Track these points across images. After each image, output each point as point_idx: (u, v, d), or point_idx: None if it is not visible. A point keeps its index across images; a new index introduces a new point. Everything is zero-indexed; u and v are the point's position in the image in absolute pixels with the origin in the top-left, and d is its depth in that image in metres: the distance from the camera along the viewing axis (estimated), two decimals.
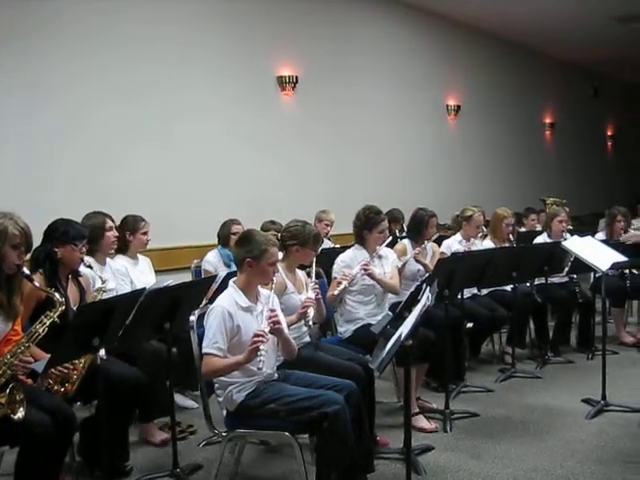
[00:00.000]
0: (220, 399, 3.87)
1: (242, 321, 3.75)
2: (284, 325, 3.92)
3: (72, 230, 4.28)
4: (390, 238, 5.50)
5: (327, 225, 7.60)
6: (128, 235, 5.44)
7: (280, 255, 4.31)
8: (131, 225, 5.50)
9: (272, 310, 3.81)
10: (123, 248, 5.43)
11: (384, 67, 10.12)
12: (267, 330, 3.67)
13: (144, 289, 3.98)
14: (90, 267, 4.53)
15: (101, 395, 3.84)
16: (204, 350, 3.70)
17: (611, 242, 6.66)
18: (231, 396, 3.80)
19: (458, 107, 11.66)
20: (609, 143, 18.38)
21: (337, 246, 6.96)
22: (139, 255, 5.63)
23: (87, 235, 4.43)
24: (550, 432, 5.02)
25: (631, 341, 7.47)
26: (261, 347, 3.55)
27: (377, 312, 5.14)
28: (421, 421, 5.06)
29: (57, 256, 4.19)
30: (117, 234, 5.15)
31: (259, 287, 3.96)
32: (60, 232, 4.24)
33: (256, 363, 3.59)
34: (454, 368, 5.82)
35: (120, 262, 5.30)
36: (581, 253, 5.57)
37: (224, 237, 6.32)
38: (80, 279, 4.41)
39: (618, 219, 7.61)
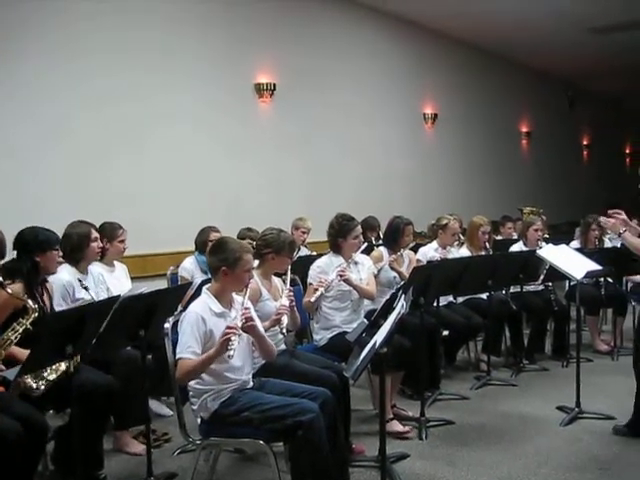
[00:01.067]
0: (194, 407, 3.84)
1: (215, 326, 3.72)
2: (258, 323, 3.91)
3: (47, 236, 4.28)
4: (365, 245, 5.50)
5: (304, 232, 7.60)
6: (105, 242, 5.42)
7: (255, 263, 4.31)
8: (108, 233, 5.48)
9: (246, 308, 3.79)
10: (100, 255, 5.40)
11: (362, 75, 10.14)
12: (240, 325, 3.66)
13: (118, 296, 3.96)
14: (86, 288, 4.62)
15: (74, 403, 3.81)
16: (178, 355, 3.67)
17: (586, 251, 6.70)
18: (205, 404, 3.78)
19: (435, 115, 11.70)
20: (585, 152, 18.53)
21: (314, 253, 6.97)
22: (115, 262, 5.61)
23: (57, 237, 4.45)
24: (525, 439, 5.05)
25: (605, 349, 7.53)
26: (233, 338, 3.53)
27: (353, 318, 5.14)
28: (395, 425, 5.08)
29: (40, 265, 4.18)
30: (101, 245, 5.14)
31: (233, 294, 3.95)
32: (38, 241, 4.23)
33: (228, 364, 3.60)
34: (429, 376, 5.84)
35: (96, 269, 5.27)
36: (556, 261, 5.61)
37: (202, 244, 6.29)
38: (47, 285, 4.40)
39: (592, 228, 7.67)
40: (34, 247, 4.21)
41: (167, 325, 4.04)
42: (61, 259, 4.68)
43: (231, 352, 3.51)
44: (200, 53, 7.76)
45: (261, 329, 3.95)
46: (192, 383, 3.79)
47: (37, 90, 6.28)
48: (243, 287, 3.89)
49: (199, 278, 5.77)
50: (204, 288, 3.94)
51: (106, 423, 4.49)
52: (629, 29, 11.89)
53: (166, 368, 3.98)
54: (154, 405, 5.42)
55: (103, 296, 5.00)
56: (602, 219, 5.14)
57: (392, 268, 5.93)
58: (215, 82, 7.91)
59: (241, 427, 3.73)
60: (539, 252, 5.89)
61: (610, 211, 5.07)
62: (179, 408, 3.96)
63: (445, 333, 6.19)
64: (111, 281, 5.31)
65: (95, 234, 5.06)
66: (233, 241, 4.00)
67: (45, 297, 4.32)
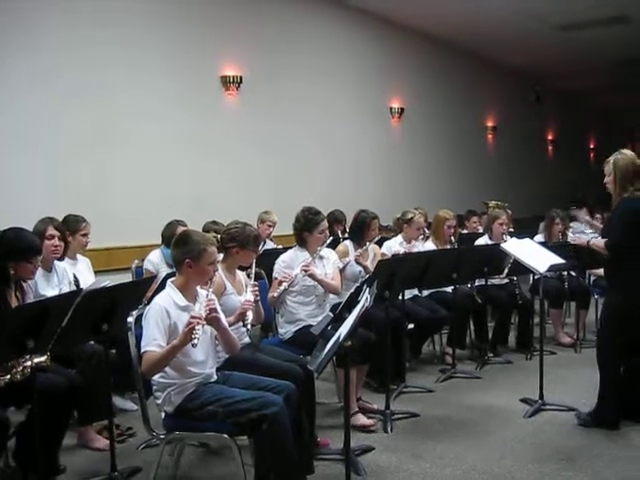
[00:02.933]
0: (158, 401, 3.83)
1: (179, 319, 3.70)
2: (222, 316, 3.90)
3: (25, 245, 4.21)
4: (331, 239, 5.51)
5: (270, 226, 7.58)
6: (68, 235, 5.36)
7: (220, 256, 4.29)
8: (71, 226, 5.42)
9: (210, 299, 3.78)
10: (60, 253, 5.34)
11: (328, 68, 10.13)
12: (204, 315, 3.64)
13: (81, 289, 3.92)
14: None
15: (35, 399, 3.76)
16: (143, 349, 3.65)
17: (549, 244, 6.77)
18: (169, 398, 3.77)
19: (402, 110, 11.72)
20: (550, 147, 18.70)
21: (280, 247, 6.96)
22: (78, 255, 5.55)
23: (38, 246, 4.37)
24: (489, 431, 5.09)
25: (568, 341, 7.61)
26: (197, 327, 3.52)
27: (318, 313, 5.15)
28: (360, 419, 5.09)
29: (10, 272, 4.12)
30: (57, 244, 5.05)
31: (197, 288, 3.93)
32: (15, 249, 4.16)
33: (192, 358, 3.59)
34: (395, 369, 5.87)
35: (60, 263, 5.21)
36: (520, 255, 5.66)
37: (168, 237, 6.20)
38: (23, 284, 4.34)
39: (556, 222, 7.77)
40: (8, 254, 4.14)
41: (130, 319, 4.01)
42: None
43: (195, 341, 3.50)
44: (163, 46, 7.67)
45: (225, 322, 3.93)
46: (156, 377, 3.77)
47: (6, 88, 6.21)
48: (207, 280, 3.88)
49: (164, 271, 5.75)
50: (168, 281, 3.92)
51: (68, 420, 4.43)
52: (595, 27, 12.02)
53: (130, 362, 3.95)
54: (118, 400, 5.40)
55: (65, 290, 4.95)
56: (570, 237, 5.25)
57: (358, 262, 5.94)
58: (180, 75, 7.84)
59: (205, 421, 3.72)
60: (503, 246, 5.93)
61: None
62: (143, 402, 3.93)
63: (410, 326, 6.23)
64: (73, 274, 5.25)
65: (51, 231, 4.98)
66: (197, 234, 3.98)
67: (18, 294, 4.26)
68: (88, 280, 5.26)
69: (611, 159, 5.00)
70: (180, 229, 6.13)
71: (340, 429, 4.08)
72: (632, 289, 4.92)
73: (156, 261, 6.20)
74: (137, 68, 7.37)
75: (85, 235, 5.51)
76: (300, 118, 9.54)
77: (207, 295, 3.80)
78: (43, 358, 3.87)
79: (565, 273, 7.40)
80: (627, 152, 5.01)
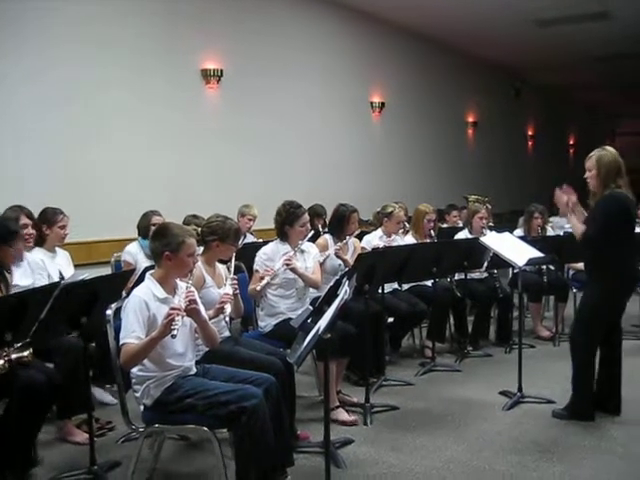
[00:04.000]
0: (137, 394, 3.81)
1: (158, 312, 3.69)
2: (202, 308, 3.89)
3: (5, 229, 4.21)
4: (312, 233, 5.51)
5: (250, 220, 7.58)
6: (45, 228, 5.33)
7: (200, 250, 4.28)
8: (49, 218, 5.38)
9: (190, 290, 3.77)
10: (40, 241, 5.31)
11: (309, 62, 10.13)
12: (183, 306, 3.64)
13: (59, 282, 3.90)
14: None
15: (14, 394, 3.74)
16: (122, 341, 3.63)
17: (528, 238, 6.81)
18: (148, 391, 3.76)
19: (382, 104, 11.73)
20: (529, 142, 18.80)
21: (260, 241, 6.95)
22: (57, 248, 5.52)
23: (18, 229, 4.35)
24: (468, 424, 5.12)
25: (547, 335, 7.66)
26: (176, 319, 3.51)
27: (298, 306, 5.15)
28: (341, 414, 5.09)
29: None
30: (30, 232, 5.02)
31: (177, 280, 3.92)
32: None
33: (171, 350, 3.60)
34: (375, 362, 5.89)
35: (37, 255, 5.17)
36: (499, 249, 5.69)
37: (144, 228, 6.20)
38: (6, 273, 4.32)
39: (535, 216, 7.81)
40: None
41: (109, 312, 4.00)
42: None
43: (175, 332, 3.49)
44: (143, 40, 7.63)
45: (204, 314, 3.93)
46: (135, 370, 3.76)
47: None
48: (187, 272, 3.87)
49: (143, 263, 5.74)
50: (148, 274, 3.91)
51: (45, 415, 4.40)
52: (575, 22, 12.07)
53: (110, 356, 3.94)
54: (97, 393, 5.38)
55: (43, 282, 4.91)
56: (557, 192, 5.23)
57: (338, 256, 5.95)
58: (160, 69, 7.81)
59: (185, 414, 3.72)
60: (482, 239, 5.97)
61: (563, 189, 5.18)
62: (122, 395, 3.93)
63: (390, 320, 6.24)
64: (52, 267, 5.22)
65: (24, 220, 4.96)
66: (175, 226, 3.96)
67: (2, 285, 4.23)
68: (68, 273, 5.24)
69: (594, 155, 5.00)
70: (155, 219, 6.14)
71: (320, 422, 4.10)
72: (611, 284, 4.97)
73: (134, 252, 6.17)
74: (116, 64, 7.33)
75: (63, 227, 5.45)
76: (281, 112, 9.53)
77: (186, 287, 3.80)
78: (25, 353, 3.85)
79: (544, 267, 7.45)
80: (610, 149, 5.03)
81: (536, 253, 5.72)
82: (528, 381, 5.61)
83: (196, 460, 4.52)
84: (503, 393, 5.67)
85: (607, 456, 4.51)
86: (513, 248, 5.72)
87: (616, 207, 4.89)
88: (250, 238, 7.47)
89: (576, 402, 5.12)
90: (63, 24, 6.78)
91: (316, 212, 7.85)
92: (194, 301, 3.73)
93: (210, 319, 4.08)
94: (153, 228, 5.92)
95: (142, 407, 3.83)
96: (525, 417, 5.22)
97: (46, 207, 5.46)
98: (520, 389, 5.54)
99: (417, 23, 12.02)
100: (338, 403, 5.18)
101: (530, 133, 18.74)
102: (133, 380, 3.81)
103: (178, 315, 3.54)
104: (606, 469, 4.31)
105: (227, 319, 4.36)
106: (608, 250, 4.90)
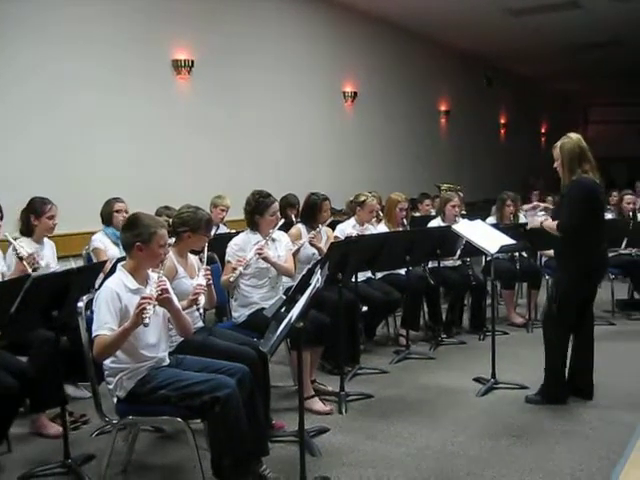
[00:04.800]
0: (110, 386, 3.80)
1: (130, 303, 3.67)
2: (174, 297, 3.88)
3: None
4: (283, 221, 5.50)
5: (222, 210, 7.57)
6: (33, 219, 5.28)
7: (171, 240, 4.26)
8: (37, 208, 5.34)
9: (162, 280, 3.75)
10: (27, 231, 5.27)
11: (281, 52, 10.09)
12: (155, 295, 3.62)
13: (29, 275, 3.87)
14: None
15: None
16: (95, 332, 3.60)
17: (501, 226, 6.85)
18: (121, 383, 3.74)
19: (355, 94, 11.73)
20: (502, 131, 18.89)
21: (233, 231, 6.93)
22: (45, 240, 5.47)
23: None
24: (442, 410, 5.15)
25: (521, 322, 7.73)
26: (148, 308, 3.50)
27: (271, 295, 5.14)
28: (316, 404, 5.10)
29: None
30: None
31: (149, 271, 3.90)
32: None
33: (143, 342, 3.61)
34: (349, 351, 5.90)
35: (24, 246, 5.12)
36: (471, 236, 5.71)
37: (107, 215, 6.12)
38: None
39: (507, 203, 7.86)
40: None
41: (80, 304, 3.96)
42: None
43: (147, 320, 3.48)
44: (114, 29, 7.57)
45: (177, 303, 3.92)
46: (107, 362, 3.74)
47: None
48: (158, 263, 3.85)
49: (110, 250, 5.76)
50: (119, 265, 3.90)
51: (17, 410, 4.37)
52: (547, 12, 12.14)
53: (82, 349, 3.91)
54: (70, 388, 5.34)
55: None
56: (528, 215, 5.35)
57: (312, 244, 5.95)
58: (131, 59, 7.75)
59: (158, 405, 3.71)
60: (454, 227, 5.99)
61: (526, 207, 5.26)
62: (94, 388, 3.89)
63: (364, 309, 6.25)
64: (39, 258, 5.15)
65: None
66: (146, 217, 3.93)
67: None
68: (52, 265, 5.20)
69: (558, 144, 5.09)
70: (118, 206, 6.09)
71: (295, 411, 4.10)
72: (580, 269, 5.01)
73: (102, 239, 6.09)
74: (86, 56, 7.28)
75: (51, 217, 5.39)
76: (252, 102, 9.50)
77: (158, 277, 3.78)
78: None
79: (517, 254, 7.51)
80: (573, 135, 5.09)
81: (508, 240, 5.77)
82: (501, 367, 5.65)
83: (171, 451, 4.51)
84: (477, 380, 5.71)
85: (578, 439, 4.56)
86: (485, 236, 5.75)
87: (582, 193, 4.94)
88: (223, 229, 7.45)
89: (549, 387, 5.17)
90: (28, 19, 6.70)
91: (289, 202, 7.84)
92: (166, 290, 3.71)
93: (183, 310, 4.06)
94: (116, 214, 5.93)
95: (115, 399, 3.81)
96: (498, 403, 5.27)
97: (34, 197, 5.41)
98: (494, 375, 5.58)
99: (389, 12, 12.03)
100: (313, 392, 5.19)
101: (503, 121, 18.82)
102: (106, 372, 3.79)
103: (149, 304, 3.52)
104: (578, 452, 4.36)
105: (201, 310, 4.34)
106: (577, 236, 4.94)
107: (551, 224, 5.11)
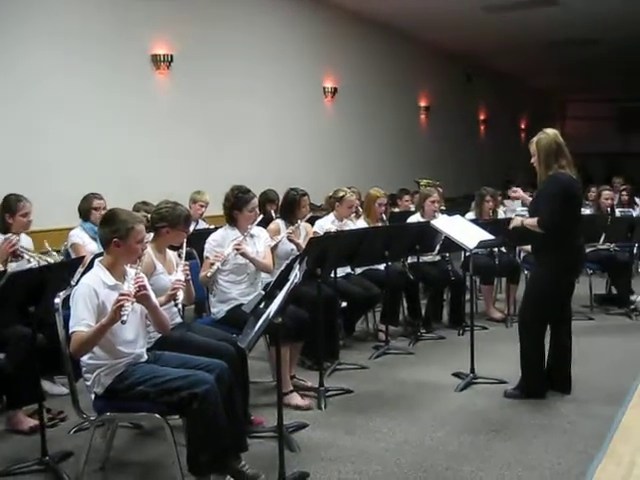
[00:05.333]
0: (88, 383, 3.77)
1: (107, 299, 3.65)
2: (152, 294, 3.86)
3: None
4: (262, 217, 5.48)
5: (202, 206, 7.54)
6: (8, 217, 5.24)
7: (150, 236, 4.24)
8: (11, 206, 5.30)
9: (139, 276, 3.73)
10: (3, 229, 5.24)
11: (261, 47, 10.07)
12: (132, 292, 3.60)
13: (5, 271, 3.84)
14: None
15: None
16: (72, 329, 3.58)
17: (480, 222, 6.86)
18: (99, 379, 3.72)
19: (335, 89, 11.74)
20: (482, 127, 18.97)
21: (212, 227, 6.91)
22: (23, 235, 5.43)
23: None
24: (421, 405, 5.17)
25: (499, 317, 7.76)
26: (126, 304, 3.48)
27: (250, 291, 5.13)
28: (295, 398, 5.10)
29: None
30: None
31: (126, 267, 3.88)
32: None
33: (121, 338, 3.59)
34: (328, 346, 5.88)
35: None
36: (450, 232, 5.73)
37: (85, 211, 6.10)
38: None
39: (487, 199, 7.88)
40: None
41: (57, 300, 3.94)
42: None
43: (124, 317, 3.45)
44: (92, 24, 7.53)
45: (155, 300, 3.90)
46: (85, 358, 3.72)
47: None
48: (136, 259, 3.83)
49: (88, 245, 5.74)
50: (96, 261, 3.87)
51: None
52: (525, 8, 12.18)
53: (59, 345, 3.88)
54: (47, 385, 5.30)
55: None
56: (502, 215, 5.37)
57: (290, 240, 5.94)
58: (110, 54, 7.72)
59: (136, 401, 3.69)
60: (433, 222, 5.99)
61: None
62: (72, 384, 3.87)
63: (344, 304, 6.25)
64: None
65: None
66: (124, 212, 3.91)
67: None
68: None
69: (534, 140, 5.11)
70: (96, 202, 6.07)
71: (274, 407, 4.10)
72: (558, 264, 5.04)
73: (80, 234, 6.06)
74: (65, 51, 7.26)
75: (25, 215, 5.36)
76: (232, 98, 9.47)
77: (136, 273, 3.76)
78: None
79: (496, 249, 7.53)
80: (549, 131, 5.11)
81: (487, 236, 5.78)
82: (480, 362, 5.68)
83: (149, 448, 4.49)
84: (456, 375, 5.73)
85: (556, 433, 4.59)
86: (464, 231, 5.77)
87: (559, 188, 4.95)
88: (202, 224, 7.43)
89: (527, 381, 5.20)
90: (8, 11, 6.64)
91: (268, 198, 7.83)
92: (143, 287, 3.69)
93: (161, 305, 4.04)
94: (94, 211, 5.90)
95: (93, 396, 3.79)
96: (477, 397, 5.29)
97: (8, 194, 5.37)
98: (472, 370, 5.60)
99: (369, 9, 12.04)
100: (292, 388, 5.19)
101: (482, 118, 18.91)
102: (84, 369, 3.77)
103: (127, 301, 3.50)
104: (556, 445, 4.38)
105: (179, 306, 4.32)
106: (554, 231, 4.96)
107: (532, 222, 5.10)
